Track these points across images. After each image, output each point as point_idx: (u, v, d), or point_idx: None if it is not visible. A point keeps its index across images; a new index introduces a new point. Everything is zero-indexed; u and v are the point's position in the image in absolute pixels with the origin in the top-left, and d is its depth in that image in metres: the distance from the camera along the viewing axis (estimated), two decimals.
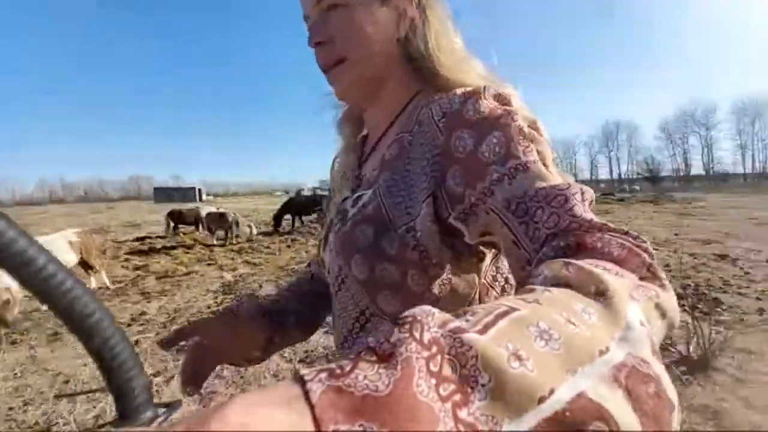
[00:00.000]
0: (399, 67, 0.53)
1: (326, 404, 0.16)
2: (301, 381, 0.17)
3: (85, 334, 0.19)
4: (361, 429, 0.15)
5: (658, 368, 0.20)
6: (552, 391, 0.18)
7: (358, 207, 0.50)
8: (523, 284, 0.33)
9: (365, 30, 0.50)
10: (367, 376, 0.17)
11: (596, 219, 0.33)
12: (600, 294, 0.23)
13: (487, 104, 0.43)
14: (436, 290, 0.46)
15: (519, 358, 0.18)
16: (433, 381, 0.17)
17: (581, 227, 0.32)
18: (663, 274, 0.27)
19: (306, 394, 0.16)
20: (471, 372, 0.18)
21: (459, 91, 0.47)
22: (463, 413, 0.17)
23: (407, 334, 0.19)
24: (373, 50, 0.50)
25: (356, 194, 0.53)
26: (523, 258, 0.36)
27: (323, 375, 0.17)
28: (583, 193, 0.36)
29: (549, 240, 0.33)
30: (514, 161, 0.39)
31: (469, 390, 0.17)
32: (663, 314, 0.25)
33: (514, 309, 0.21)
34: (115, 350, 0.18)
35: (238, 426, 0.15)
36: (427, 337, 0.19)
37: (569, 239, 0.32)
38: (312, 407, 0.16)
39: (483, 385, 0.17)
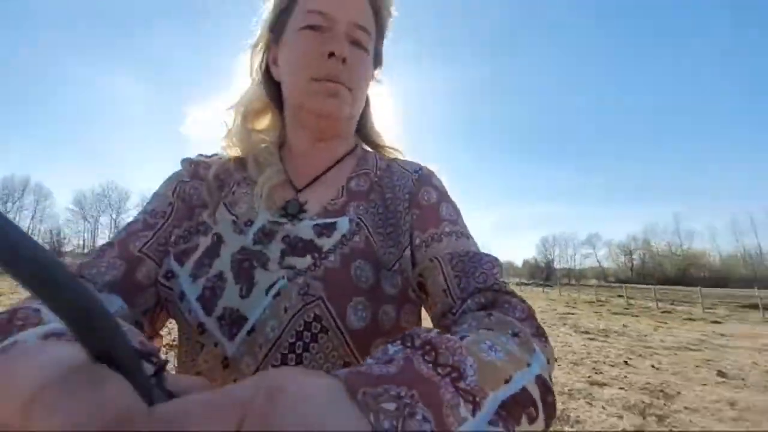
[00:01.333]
0: (354, 122, 0.58)
1: (352, 378, 0.19)
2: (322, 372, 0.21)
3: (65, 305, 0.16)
4: (383, 390, 0.19)
5: (552, 387, 0.28)
6: (510, 378, 0.24)
7: (338, 238, 0.44)
8: (443, 329, 0.38)
9: (366, 81, 0.55)
10: (380, 368, 0.21)
11: (507, 286, 0.42)
12: (515, 335, 0.31)
13: (442, 182, 0.56)
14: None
15: (488, 353, 0.25)
16: (431, 365, 0.22)
17: (500, 289, 0.40)
18: (545, 335, 0.35)
19: (332, 375, 0.20)
20: (461, 357, 0.23)
21: (413, 164, 0.57)
22: (461, 384, 0.21)
23: (401, 346, 0.24)
24: (361, 100, 0.55)
25: (316, 221, 0.46)
26: (447, 306, 0.41)
27: (339, 369, 0.22)
28: (500, 264, 0.45)
29: (475, 293, 0.40)
30: (461, 228, 0.49)
31: (462, 368, 0.22)
32: (548, 360, 0.32)
33: (465, 336, 0.27)
34: (94, 311, 0.17)
35: (273, 382, 0.17)
36: (418, 342, 0.24)
37: (489, 296, 0.39)
38: (340, 379, 0.19)
39: (471, 366, 0.23)
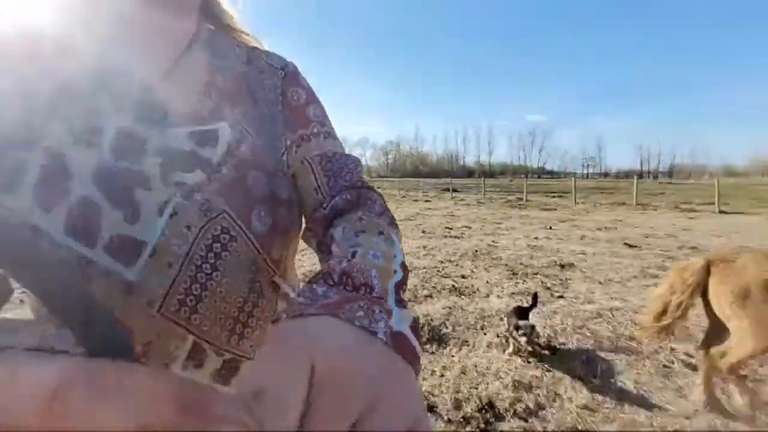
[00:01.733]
0: None
1: (325, 309, 0.25)
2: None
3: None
4: (348, 307, 0.25)
5: (406, 264, 0.36)
6: (395, 271, 0.33)
7: (225, 149, 0.40)
8: (314, 223, 0.46)
9: None
10: (327, 300, 0.27)
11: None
12: (381, 233, 0.38)
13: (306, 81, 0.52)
14: (299, 228, 0.49)
15: (378, 259, 0.33)
16: (353, 291, 0.28)
17: (363, 186, 0.46)
18: (396, 223, 0.43)
19: (309, 313, 0.25)
20: (368, 274, 0.30)
21: (278, 58, 0.52)
22: (374, 293, 0.28)
23: (325, 286, 0.28)
24: None
25: (191, 129, 0.40)
26: (318, 202, 0.46)
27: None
28: (361, 163, 0.50)
29: (342, 191, 0.45)
30: (328, 128, 0.50)
31: (371, 282, 0.29)
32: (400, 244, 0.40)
33: (356, 250, 0.33)
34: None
35: (295, 331, 0.22)
36: (336, 277, 0.29)
37: (354, 193, 0.45)
38: (321, 311, 0.25)
39: (375, 276, 0.30)
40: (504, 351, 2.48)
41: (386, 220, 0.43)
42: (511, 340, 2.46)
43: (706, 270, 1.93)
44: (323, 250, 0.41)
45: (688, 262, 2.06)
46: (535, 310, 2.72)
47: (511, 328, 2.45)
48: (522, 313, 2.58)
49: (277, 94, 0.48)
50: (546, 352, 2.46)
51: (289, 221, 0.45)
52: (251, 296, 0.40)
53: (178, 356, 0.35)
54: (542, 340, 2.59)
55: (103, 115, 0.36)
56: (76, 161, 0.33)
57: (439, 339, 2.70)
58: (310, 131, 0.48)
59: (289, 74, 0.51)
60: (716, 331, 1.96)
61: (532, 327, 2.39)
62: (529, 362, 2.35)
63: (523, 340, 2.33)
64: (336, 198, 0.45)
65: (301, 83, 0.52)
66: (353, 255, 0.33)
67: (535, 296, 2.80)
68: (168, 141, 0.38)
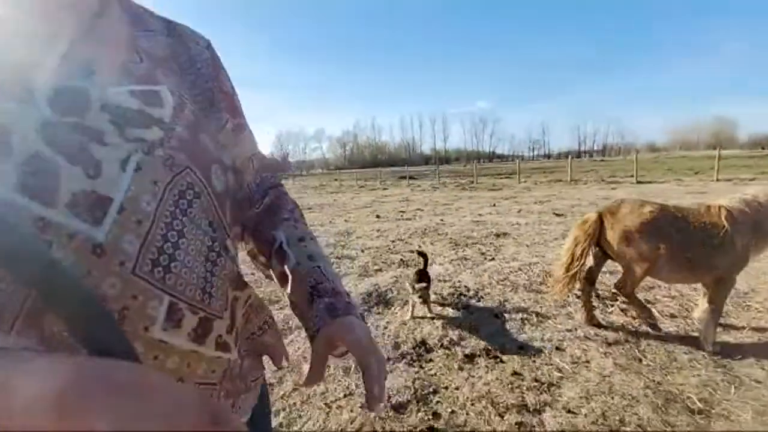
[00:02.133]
0: None
1: (344, 310, 0.45)
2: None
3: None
4: (351, 308, 0.46)
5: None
6: (337, 274, 0.49)
7: (171, 109, 0.40)
8: (247, 215, 0.54)
9: None
10: (334, 305, 0.45)
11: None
12: (312, 239, 0.52)
13: None
14: (236, 200, 0.52)
15: (332, 268, 0.51)
16: (336, 296, 0.46)
17: (279, 185, 0.58)
18: (301, 209, 0.56)
19: (342, 315, 0.44)
20: (339, 285, 0.47)
21: (197, 32, 0.51)
22: (346, 297, 0.47)
23: (327, 298, 0.44)
24: None
25: (131, 87, 0.38)
26: (247, 197, 0.53)
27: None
28: None
29: (267, 190, 0.55)
30: (246, 121, 0.56)
31: (341, 291, 0.47)
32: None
33: (319, 265, 0.48)
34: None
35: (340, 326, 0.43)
36: (330, 291, 0.45)
37: (275, 191, 0.56)
38: (351, 313, 0.45)
39: (341, 286, 0.48)
40: (425, 307, 2.91)
41: (299, 213, 0.56)
42: (410, 301, 2.74)
43: (599, 221, 2.37)
44: (256, 237, 0.54)
45: (585, 216, 2.49)
46: (467, 271, 3.14)
47: (410, 291, 2.73)
48: (423, 275, 2.80)
49: (210, 71, 0.49)
50: (440, 308, 2.81)
51: (235, 185, 0.50)
52: (211, 254, 0.40)
53: (156, 318, 0.33)
54: (470, 293, 3.07)
55: (32, 73, 0.33)
56: (14, 116, 0.31)
57: (386, 302, 3.08)
58: (239, 122, 0.53)
59: (213, 54, 0.51)
60: (594, 269, 2.51)
61: (424, 288, 2.66)
62: (457, 309, 2.81)
63: (417, 299, 2.64)
64: (265, 198, 0.55)
65: (224, 67, 0.54)
66: (321, 270, 0.48)
67: (421, 254, 2.97)
68: (111, 98, 0.36)
